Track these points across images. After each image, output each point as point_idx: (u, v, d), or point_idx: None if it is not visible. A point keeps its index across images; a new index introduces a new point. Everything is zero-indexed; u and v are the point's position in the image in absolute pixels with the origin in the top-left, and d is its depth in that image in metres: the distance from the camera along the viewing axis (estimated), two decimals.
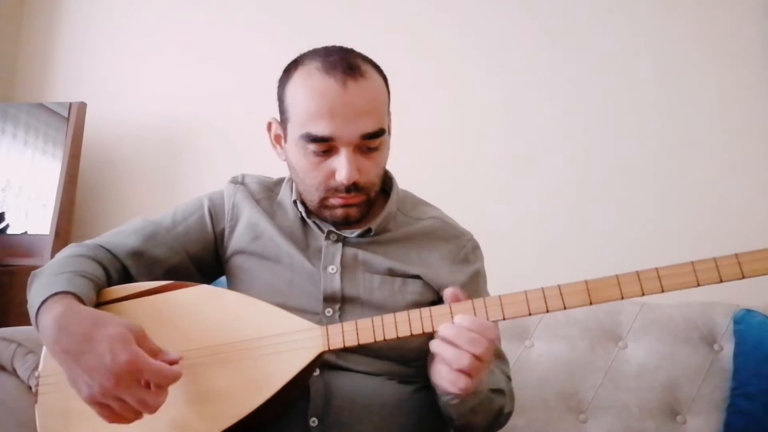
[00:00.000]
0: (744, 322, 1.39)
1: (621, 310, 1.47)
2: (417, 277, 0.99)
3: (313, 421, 0.89)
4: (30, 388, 1.23)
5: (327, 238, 1.01)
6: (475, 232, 1.11)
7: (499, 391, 0.95)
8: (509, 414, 1.01)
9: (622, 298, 0.77)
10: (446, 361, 0.78)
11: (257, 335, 0.86)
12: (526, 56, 1.90)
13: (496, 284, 1.12)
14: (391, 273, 0.99)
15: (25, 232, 1.97)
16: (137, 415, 0.77)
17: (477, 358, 0.77)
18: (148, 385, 0.77)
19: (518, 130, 1.88)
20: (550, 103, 1.87)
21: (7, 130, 2.05)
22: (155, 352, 0.79)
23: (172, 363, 0.79)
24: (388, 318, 0.83)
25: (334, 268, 0.98)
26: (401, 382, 0.96)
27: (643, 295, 0.76)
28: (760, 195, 1.69)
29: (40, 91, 2.28)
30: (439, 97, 1.95)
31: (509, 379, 1.05)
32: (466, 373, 0.78)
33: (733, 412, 1.32)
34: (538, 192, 1.84)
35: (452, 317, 0.80)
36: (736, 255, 0.75)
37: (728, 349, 1.38)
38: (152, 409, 0.77)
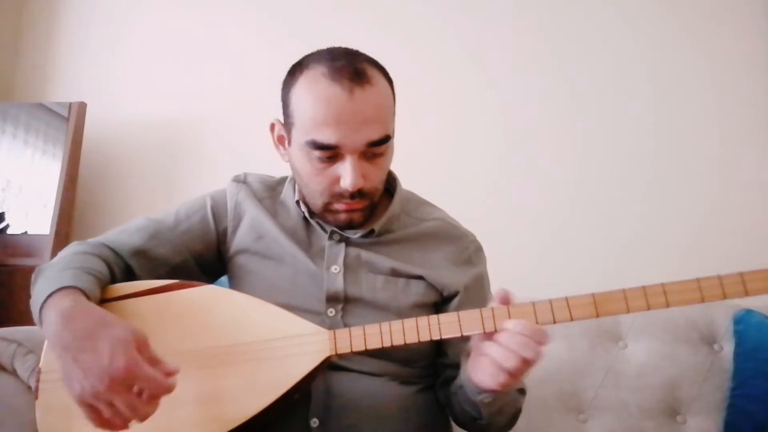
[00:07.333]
0: (744, 322, 1.39)
1: None
2: (420, 277, 0.99)
3: (314, 422, 0.89)
4: (30, 388, 1.23)
5: (330, 238, 1.00)
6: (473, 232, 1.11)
7: (522, 391, 0.95)
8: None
9: (628, 311, 0.79)
10: (492, 357, 0.78)
11: (263, 338, 0.85)
12: (524, 58, 1.90)
13: (494, 285, 1.11)
14: (395, 273, 0.99)
15: (25, 232, 1.97)
16: (125, 423, 0.76)
17: (525, 360, 0.77)
18: (140, 393, 0.76)
19: (515, 132, 1.88)
20: (548, 104, 1.87)
21: (7, 130, 2.04)
22: (154, 361, 0.78)
23: (168, 374, 0.78)
24: (396, 325, 0.83)
25: (337, 268, 0.98)
26: (403, 383, 0.96)
27: (649, 309, 0.78)
28: (760, 199, 1.69)
29: (40, 91, 2.27)
30: (437, 97, 1.95)
31: None
32: (509, 371, 0.77)
33: (733, 412, 1.33)
34: (536, 193, 1.84)
35: (461, 328, 0.81)
36: (741, 274, 0.76)
37: (728, 349, 1.38)
38: (142, 418, 0.76)
